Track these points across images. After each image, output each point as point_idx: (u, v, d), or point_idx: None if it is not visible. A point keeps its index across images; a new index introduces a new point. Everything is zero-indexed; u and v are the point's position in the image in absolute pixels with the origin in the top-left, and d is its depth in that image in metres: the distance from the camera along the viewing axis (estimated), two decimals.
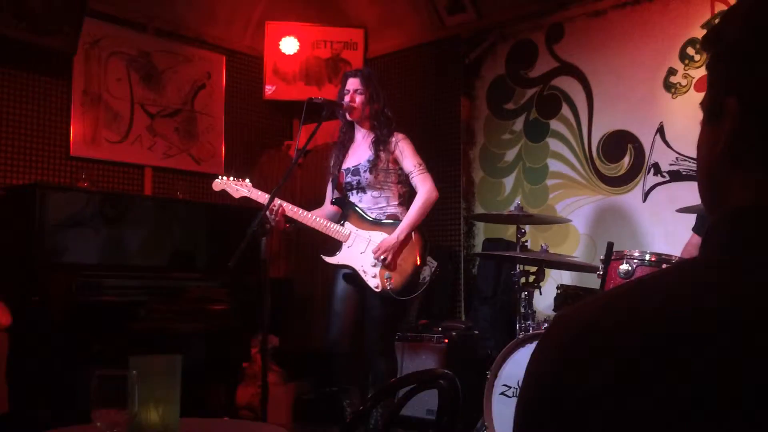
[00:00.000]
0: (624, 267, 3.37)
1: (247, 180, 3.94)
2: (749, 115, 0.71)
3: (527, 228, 4.11)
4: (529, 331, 3.70)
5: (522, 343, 3.46)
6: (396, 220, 3.82)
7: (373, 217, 3.85)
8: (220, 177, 3.98)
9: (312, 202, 4.12)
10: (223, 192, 3.95)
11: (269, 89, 6.24)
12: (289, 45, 6.17)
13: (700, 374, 0.60)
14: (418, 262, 3.77)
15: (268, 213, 3.66)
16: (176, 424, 1.81)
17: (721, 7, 4.40)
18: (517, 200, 4.42)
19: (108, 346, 4.24)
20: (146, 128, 5.60)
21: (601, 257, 3.53)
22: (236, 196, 3.92)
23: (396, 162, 3.88)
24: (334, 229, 3.86)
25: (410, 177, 3.87)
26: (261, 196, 3.83)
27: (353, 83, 3.91)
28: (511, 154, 5.38)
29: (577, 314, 0.73)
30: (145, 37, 5.61)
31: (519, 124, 5.36)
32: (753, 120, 0.71)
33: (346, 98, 3.89)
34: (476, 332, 4.88)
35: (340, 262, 3.85)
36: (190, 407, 4.59)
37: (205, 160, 5.90)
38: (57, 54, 4.98)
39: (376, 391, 2.21)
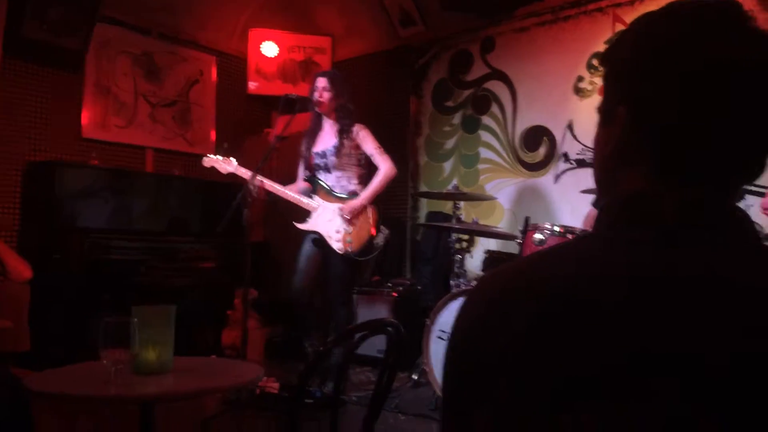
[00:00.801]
0: (538, 236, 3.41)
1: (233, 159, 3.90)
2: (635, 123, 0.71)
3: (462, 204, 4.13)
4: (460, 287, 3.73)
5: (454, 297, 3.49)
6: (355, 195, 3.82)
7: (337, 192, 3.85)
8: (209, 155, 3.93)
9: (286, 179, 4.08)
10: (212, 168, 3.91)
11: (252, 85, 6.15)
12: (270, 49, 6.09)
13: (591, 330, 0.61)
14: (373, 230, 3.79)
15: (250, 187, 3.64)
16: (170, 361, 1.80)
17: (620, 27, 4.43)
18: (454, 181, 4.45)
19: (115, 297, 4.19)
20: (148, 116, 5.48)
21: (520, 228, 3.57)
22: (224, 172, 3.89)
23: (357, 148, 3.87)
24: (305, 202, 3.85)
25: (372, 157, 3.87)
26: (245, 173, 3.80)
27: (322, 82, 3.88)
28: (450, 143, 5.39)
29: (497, 277, 0.73)
30: (148, 40, 5.47)
31: (457, 118, 5.36)
32: (637, 126, 0.71)
33: (316, 94, 3.86)
34: (419, 287, 4.91)
35: (310, 228, 3.85)
36: (184, 347, 4.58)
37: (197, 143, 5.79)
38: (72, 53, 4.85)
39: (336, 335, 2.22)
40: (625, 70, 0.74)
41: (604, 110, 0.77)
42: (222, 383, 1.73)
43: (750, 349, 0.58)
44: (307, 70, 6.18)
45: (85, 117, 5.07)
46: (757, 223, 3.74)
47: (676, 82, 0.68)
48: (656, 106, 0.70)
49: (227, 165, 3.85)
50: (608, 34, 4.48)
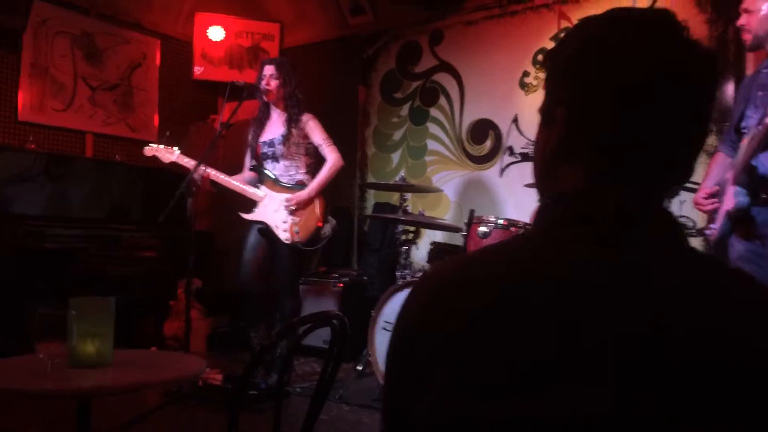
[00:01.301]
0: (482, 229, 3.45)
1: (175, 148, 3.82)
2: (573, 125, 0.74)
3: (408, 195, 4.16)
4: (406, 279, 3.76)
5: (400, 289, 3.51)
6: (303, 185, 3.80)
7: (285, 182, 3.81)
8: (151, 144, 3.84)
9: (232, 168, 4.02)
10: (154, 157, 3.82)
11: (198, 70, 6.04)
12: (216, 33, 5.99)
13: (525, 326, 0.64)
14: (321, 220, 3.77)
15: (194, 177, 3.58)
16: (110, 355, 1.76)
17: (566, 24, 4.51)
18: (402, 173, 4.46)
19: (52, 286, 4.07)
20: (87, 99, 5.31)
21: (465, 221, 3.60)
22: (165, 161, 3.80)
23: (305, 137, 3.83)
24: (251, 192, 3.80)
25: (320, 148, 3.84)
26: (188, 162, 3.72)
27: (269, 69, 3.83)
28: (398, 135, 5.41)
29: (438, 274, 0.76)
30: (88, 20, 5.30)
31: (405, 110, 5.38)
32: (576, 128, 0.74)
33: (263, 82, 3.80)
34: (365, 278, 4.93)
35: (256, 219, 3.80)
36: (125, 338, 4.49)
37: (140, 129, 5.66)
38: (8, 31, 4.67)
39: (280, 327, 2.21)
40: (566, 74, 0.76)
41: (545, 110, 0.79)
42: (163, 377, 1.70)
43: (665, 344, 0.61)
44: (254, 56, 6.10)
45: (22, 99, 4.89)
46: (689, 218, 3.89)
47: (613, 89, 0.71)
48: (593, 110, 0.72)
49: (169, 154, 3.76)
50: (554, 31, 4.57)
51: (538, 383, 0.61)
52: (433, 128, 5.20)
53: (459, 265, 0.75)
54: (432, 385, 0.67)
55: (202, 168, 3.63)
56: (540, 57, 4.65)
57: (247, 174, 3.94)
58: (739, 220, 2.43)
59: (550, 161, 0.78)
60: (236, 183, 3.80)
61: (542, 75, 4.70)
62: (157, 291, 4.77)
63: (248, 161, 3.96)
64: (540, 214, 0.77)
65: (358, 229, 5.54)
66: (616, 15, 0.76)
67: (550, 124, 0.78)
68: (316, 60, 5.88)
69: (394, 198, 5.10)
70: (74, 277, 4.28)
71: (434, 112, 5.20)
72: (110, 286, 4.47)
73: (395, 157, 5.40)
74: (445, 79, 5.15)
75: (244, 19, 6.07)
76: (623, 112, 0.70)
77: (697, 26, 3.99)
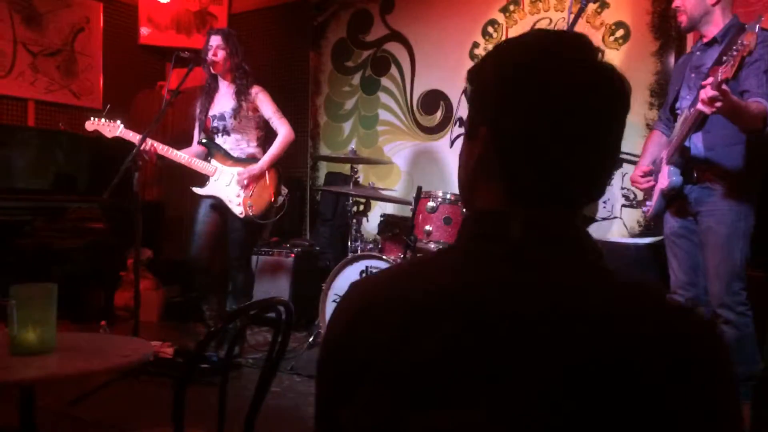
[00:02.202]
0: (430, 204, 3.49)
1: (119, 121, 3.72)
2: (494, 143, 0.77)
3: (359, 166, 4.17)
4: (357, 251, 3.80)
5: (350, 262, 3.55)
6: (254, 158, 3.78)
7: (236, 155, 3.78)
8: (92, 118, 3.73)
9: (182, 137, 3.95)
10: (97, 132, 3.72)
11: (144, 31, 5.85)
12: None
13: (441, 342, 0.68)
14: (274, 192, 3.76)
15: (141, 151, 3.52)
16: (52, 342, 1.75)
17: None
18: (352, 144, 4.47)
19: None
20: (28, 66, 5.12)
21: (413, 195, 3.63)
22: (108, 135, 3.71)
23: (255, 110, 3.80)
24: (201, 166, 3.76)
25: (270, 121, 3.81)
26: (133, 136, 3.64)
27: (216, 40, 3.76)
28: (350, 104, 5.38)
29: (365, 288, 0.79)
30: None
31: (356, 79, 5.34)
32: (497, 146, 0.76)
33: (210, 53, 3.74)
34: (317, 248, 4.95)
35: (209, 193, 3.77)
36: (74, 310, 4.44)
37: (84, 95, 5.49)
38: None
39: (229, 314, 2.25)
40: (486, 95, 0.79)
41: (469, 125, 0.81)
42: (108, 363, 1.70)
43: (565, 362, 0.64)
44: (202, 20, 5.95)
45: None
46: (631, 190, 4.01)
47: (529, 113, 0.73)
48: (511, 131, 0.75)
49: (112, 129, 3.67)
50: (503, 2, 4.57)
51: (453, 397, 0.65)
52: (384, 98, 5.19)
53: (382, 282, 0.78)
54: (356, 396, 0.71)
55: (149, 141, 3.57)
56: (489, 29, 4.66)
57: (196, 148, 3.88)
58: (672, 198, 2.54)
59: (472, 175, 0.81)
60: (186, 157, 3.75)
61: (491, 47, 4.73)
62: (106, 263, 4.71)
63: (197, 134, 3.90)
64: (460, 229, 0.80)
65: (310, 199, 5.53)
66: (534, 38, 0.79)
67: (473, 140, 0.80)
68: (266, 26, 5.77)
69: (345, 168, 5.08)
70: (19, 251, 4.19)
71: (385, 81, 5.18)
72: (57, 259, 4.39)
73: (347, 126, 5.38)
74: (396, 49, 5.12)
75: None
76: (539, 135, 0.73)
77: (640, 1, 4.06)
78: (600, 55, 0.77)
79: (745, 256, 2.40)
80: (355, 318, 0.75)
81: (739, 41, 2.06)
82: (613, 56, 4.12)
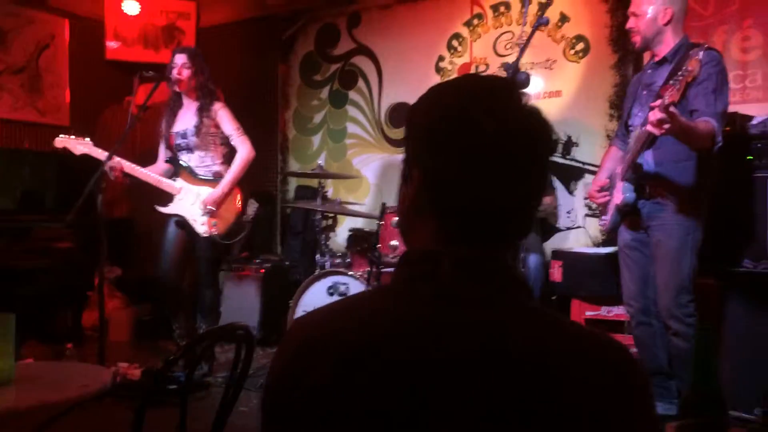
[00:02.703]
0: (396, 219, 3.53)
1: (88, 138, 3.72)
2: (425, 186, 0.80)
3: (328, 180, 4.18)
4: (325, 266, 3.82)
5: (318, 278, 3.57)
6: (220, 176, 3.78)
7: (202, 174, 3.79)
8: (61, 135, 3.73)
9: (149, 154, 3.93)
10: (66, 149, 3.71)
11: (111, 46, 5.80)
12: (131, 7, 5.76)
13: (373, 382, 0.70)
14: (239, 211, 3.77)
15: (106, 170, 3.51)
16: (10, 373, 1.76)
17: (478, 10, 4.60)
18: (321, 159, 4.48)
19: None
20: None
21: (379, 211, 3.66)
22: (77, 153, 3.70)
23: (218, 127, 3.80)
24: (167, 184, 3.76)
25: (231, 138, 3.81)
26: (100, 154, 3.64)
27: (181, 58, 3.76)
28: (318, 117, 5.40)
29: (304, 327, 0.81)
30: None
31: (325, 93, 5.37)
32: (428, 188, 0.80)
33: (175, 72, 3.74)
34: (287, 263, 4.95)
35: (173, 212, 3.77)
36: (43, 330, 4.37)
37: (50, 113, 5.44)
38: None
39: (184, 346, 2.26)
40: (418, 138, 0.82)
41: (404, 169, 0.84)
42: (67, 394, 1.72)
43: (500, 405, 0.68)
44: (170, 35, 5.93)
45: None
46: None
47: (458, 155, 0.77)
48: (441, 174, 0.78)
49: (81, 145, 3.67)
50: (467, 16, 4.65)
51: None
52: (352, 111, 5.23)
53: (319, 320, 0.81)
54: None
55: (116, 159, 3.57)
56: (454, 42, 4.73)
57: (162, 165, 3.88)
58: (626, 213, 2.61)
59: (407, 217, 0.84)
60: (152, 175, 3.75)
61: (457, 60, 4.85)
62: (73, 282, 4.67)
63: (162, 152, 3.90)
64: (396, 268, 0.83)
65: (281, 212, 5.54)
66: (464, 83, 0.83)
67: (408, 182, 0.83)
68: (234, 41, 5.78)
69: (315, 181, 5.11)
70: None
71: (353, 95, 5.22)
72: (24, 280, 4.34)
73: (316, 140, 5.41)
74: (364, 62, 5.16)
75: None
76: (467, 176, 0.76)
77: (599, 16, 4.15)
78: (526, 98, 0.81)
79: (693, 269, 2.47)
80: (293, 359, 0.77)
81: (684, 67, 2.13)
82: (574, 69, 4.20)
